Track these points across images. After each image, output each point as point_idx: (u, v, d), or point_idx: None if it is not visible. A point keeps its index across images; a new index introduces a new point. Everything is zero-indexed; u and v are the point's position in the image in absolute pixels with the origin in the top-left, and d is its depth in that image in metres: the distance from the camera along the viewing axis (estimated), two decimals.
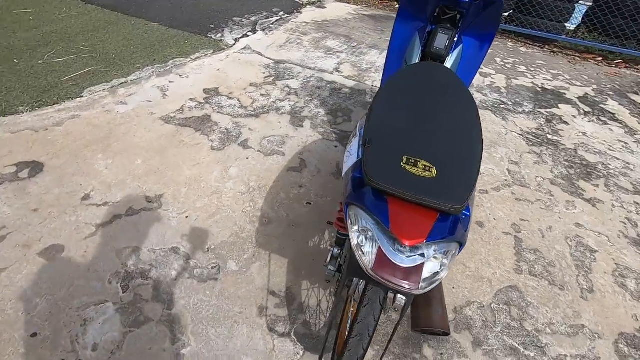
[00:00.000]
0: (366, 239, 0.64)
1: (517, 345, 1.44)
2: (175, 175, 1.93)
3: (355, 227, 0.66)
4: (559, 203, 2.14)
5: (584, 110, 3.16)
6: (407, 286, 0.57)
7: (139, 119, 2.30)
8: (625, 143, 2.79)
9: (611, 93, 3.54)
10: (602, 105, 3.28)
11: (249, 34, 3.60)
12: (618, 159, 2.61)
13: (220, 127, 2.30)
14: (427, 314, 1.10)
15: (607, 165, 2.52)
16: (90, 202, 1.75)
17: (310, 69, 3.10)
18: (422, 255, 0.59)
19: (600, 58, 4.21)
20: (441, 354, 1.37)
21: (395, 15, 1.87)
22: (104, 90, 2.56)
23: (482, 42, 1.61)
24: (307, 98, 2.70)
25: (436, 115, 0.92)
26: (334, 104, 2.68)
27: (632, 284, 1.75)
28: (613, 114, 3.17)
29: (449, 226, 0.65)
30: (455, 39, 1.50)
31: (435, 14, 1.59)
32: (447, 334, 1.01)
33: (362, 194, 0.70)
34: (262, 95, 2.67)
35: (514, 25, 4.23)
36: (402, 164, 0.71)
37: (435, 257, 0.60)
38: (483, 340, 1.44)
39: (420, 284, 0.58)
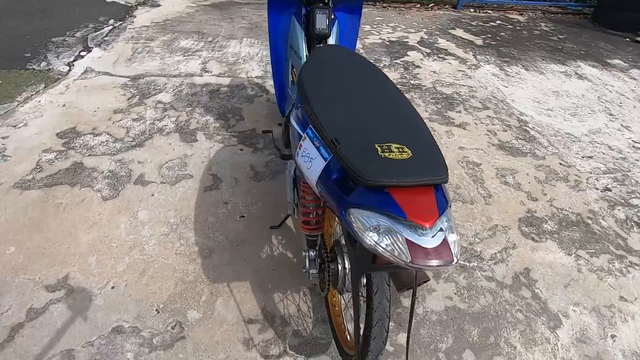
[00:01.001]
0: (379, 235, 0.64)
1: (462, 262, 1.69)
2: (71, 247, 1.58)
3: (367, 228, 0.66)
4: (442, 135, 2.51)
5: (425, 52, 3.68)
6: (448, 264, 0.61)
7: None
8: (463, 71, 3.39)
9: (438, 33, 4.20)
10: (436, 45, 3.87)
11: (82, 53, 3.02)
12: (463, 85, 3.16)
13: (102, 172, 1.94)
14: (406, 272, 1.20)
15: (459, 93, 3.03)
16: None
17: (175, 76, 2.81)
18: (441, 230, 0.63)
19: (419, 5, 4.92)
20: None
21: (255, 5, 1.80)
22: None
23: (353, 14, 1.70)
24: (187, 109, 2.47)
25: (371, 97, 0.95)
26: (219, 106, 2.52)
27: (510, 179, 2.21)
28: (446, 49, 3.79)
29: (443, 194, 0.71)
30: (332, 16, 1.55)
31: None
32: (427, 281, 1.12)
33: (359, 194, 0.69)
34: (134, 120, 2.32)
35: None
36: (379, 153, 0.73)
37: (449, 227, 0.65)
38: None
39: (455, 256, 0.63)
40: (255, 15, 4.05)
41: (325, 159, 0.82)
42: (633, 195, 2.20)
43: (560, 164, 2.38)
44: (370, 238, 0.65)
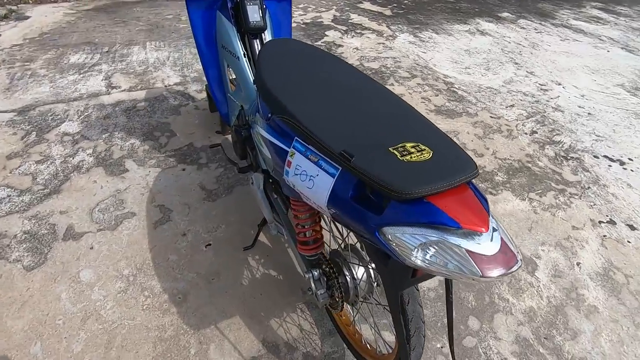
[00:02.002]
0: (429, 252, 0.57)
1: None
2: (1, 342, 1.25)
3: (414, 247, 0.57)
4: None
5: (342, 29, 3.65)
6: (516, 266, 0.55)
7: None
8: (383, 44, 3.44)
9: (348, 8, 4.19)
10: (350, 21, 3.87)
11: None
12: (387, 57, 3.21)
13: (15, 236, 1.56)
14: None
15: (385, 66, 3.08)
16: None
17: (76, 99, 2.37)
18: (494, 230, 0.57)
19: None
20: None
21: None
22: None
23: (284, 1, 1.55)
24: (103, 135, 2.10)
25: (354, 94, 0.85)
26: (142, 125, 2.19)
27: (456, 141, 2.31)
28: (360, 24, 3.81)
29: (477, 189, 0.65)
30: (264, 6, 1.39)
31: None
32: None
33: (394, 210, 0.60)
34: (39, 162, 1.91)
35: None
36: (399, 158, 0.64)
37: (497, 224, 0.60)
38: None
39: (518, 254, 0.57)
40: (152, 15, 3.60)
41: (332, 175, 0.71)
42: (554, 133, 2.46)
43: (491, 117, 2.56)
44: (418, 258, 0.57)
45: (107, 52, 2.91)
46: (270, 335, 1.31)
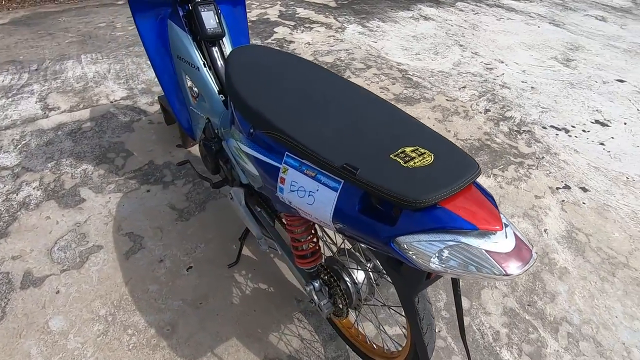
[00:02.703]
0: (447, 258, 0.57)
1: None
2: None
3: (432, 254, 0.57)
4: None
5: (291, 25, 3.59)
6: (532, 259, 0.57)
7: None
8: (333, 36, 3.43)
9: (292, 3, 4.12)
10: (297, 15, 3.81)
11: None
12: (340, 50, 3.22)
13: None
14: None
15: (340, 58, 3.07)
16: None
17: (8, 127, 2.12)
18: (506, 225, 0.59)
19: None
20: None
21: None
22: None
23: (237, 4, 1.47)
24: (49, 164, 1.91)
25: (336, 100, 0.83)
26: (92, 148, 2.02)
27: None
28: (308, 18, 3.76)
29: (481, 186, 0.66)
30: (219, 10, 1.31)
31: None
32: None
33: (408, 220, 0.59)
34: None
35: None
36: (403, 165, 0.63)
37: (506, 219, 0.61)
38: None
39: (531, 247, 0.59)
40: (81, 24, 3.30)
41: (334, 189, 0.69)
42: (505, 109, 2.61)
43: (447, 100, 2.66)
44: (436, 264, 0.57)
45: (36, 70, 2.62)
46: (271, 352, 1.27)
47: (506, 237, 0.57)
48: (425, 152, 0.66)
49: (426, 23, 3.84)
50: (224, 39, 1.36)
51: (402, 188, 0.59)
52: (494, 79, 2.94)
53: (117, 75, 2.61)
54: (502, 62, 3.16)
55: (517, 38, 3.62)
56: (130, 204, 1.72)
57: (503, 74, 3.00)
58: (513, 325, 1.38)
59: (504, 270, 0.54)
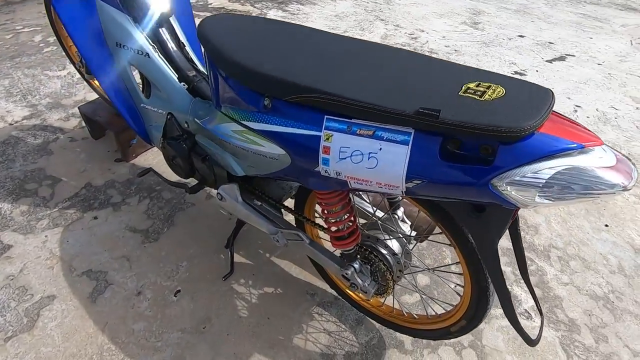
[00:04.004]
0: (555, 186, 0.52)
1: None
2: None
3: (543, 185, 0.52)
4: None
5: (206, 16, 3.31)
6: (634, 168, 0.55)
7: None
8: None
9: None
10: (210, 6, 3.53)
11: None
12: None
13: None
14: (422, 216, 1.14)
15: None
16: None
17: None
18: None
19: None
20: None
21: None
22: None
23: None
24: None
25: (356, 56, 0.73)
26: (2, 183, 1.61)
27: None
28: (223, 7, 3.51)
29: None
30: None
31: None
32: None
33: (508, 155, 0.53)
34: None
35: None
36: (480, 99, 0.57)
37: None
38: None
39: (631, 158, 0.57)
40: None
41: (404, 142, 0.60)
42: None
43: None
44: (545, 196, 0.53)
45: None
46: (301, 355, 1.15)
47: (605, 151, 0.55)
48: (490, 85, 0.61)
49: (344, 2, 3.87)
50: (171, 17, 1.15)
51: (498, 120, 0.53)
52: (422, 47, 3.08)
53: (9, 92, 2.11)
54: (423, 31, 3.33)
55: (428, 9, 3.85)
56: (76, 238, 1.41)
57: (427, 41, 3.16)
58: (513, 262, 1.45)
59: (622, 184, 0.52)
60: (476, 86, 0.61)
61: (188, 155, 1.12)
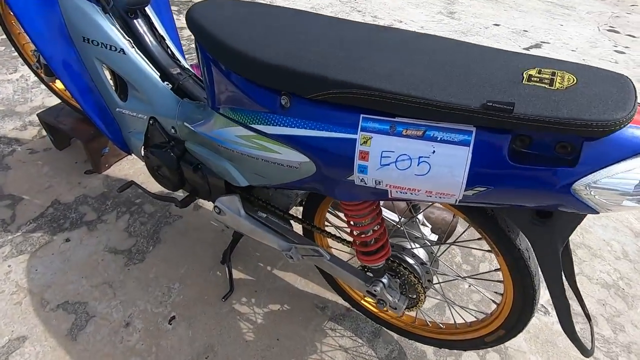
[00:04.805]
0: None
1: None
2: None
3: (626, 189, 0.44)
4: None
5: (174, 10, 3.10)
6: None
7: None
8: None
9: None
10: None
11: None
12: None
13: None
14: (441, 216, 1.07)
15: None
16: None
17: None
18: None
19: None
20: None
21: None
22: None
23: None
24: None
25: (380, 41, 0.63)
26: None
27: None
28: (191, 1, 3.30)
29: None
30: None
31: None
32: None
33: (594, 153, 0.45)
34: None
35: None
36: (551, 89, 0.48)
37: None
38: None
39: None
40: None
41: (463, 142, 0.50)
42: None
43: None
44: (636, 198, 0.45)
45: None
46: None
47: None
48: (554, 71, 0.52)
49: None
50: (147, 7, 1.00)
51: (582, 113, 0.45)
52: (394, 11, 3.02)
53: None
54: (402, 22, 3.27)
55: (403, 0, 3.80)
56: (46, 266, 1.23)
57: None
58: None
59: None
60: (538, 73, 0.52)
61: (177, 165, 0.98)
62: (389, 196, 0.59)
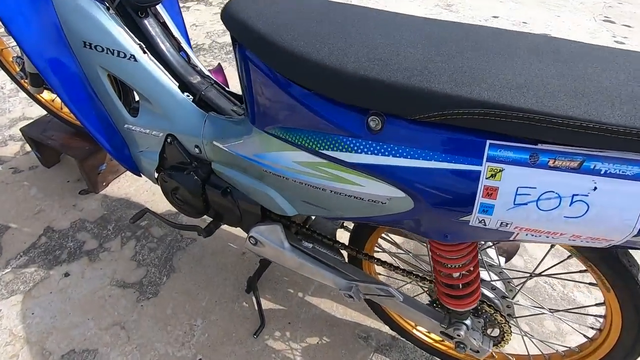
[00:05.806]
0: None
1: None
2: None
3: None
4: None
5: None
6: None
7: None
8: (218, 13, 2.89)
9: None
10: None
11: None
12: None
13: None
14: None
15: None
16: None
17: None
18: None
19: None
20: None
21: None
22: None
23: None
24: None
25: (473, 42, 0.51)
26: None
27: None
28: None
29: None
30: None
31: None
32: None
33: None
34: None
35: None
36: None
37: None
38: None
39: None
40: None
41: None
42: None
43: None
44: None
45: None
46: None
47: None
48: None
49: None
50: (158, 5, 0.84)
51: None
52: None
53: None
54: None
55: None
56: (45, 307, 1.06)
57: None
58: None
59: None
60: None
61: (202, 190, 0.84)
62: (511, 238, 0.47)
